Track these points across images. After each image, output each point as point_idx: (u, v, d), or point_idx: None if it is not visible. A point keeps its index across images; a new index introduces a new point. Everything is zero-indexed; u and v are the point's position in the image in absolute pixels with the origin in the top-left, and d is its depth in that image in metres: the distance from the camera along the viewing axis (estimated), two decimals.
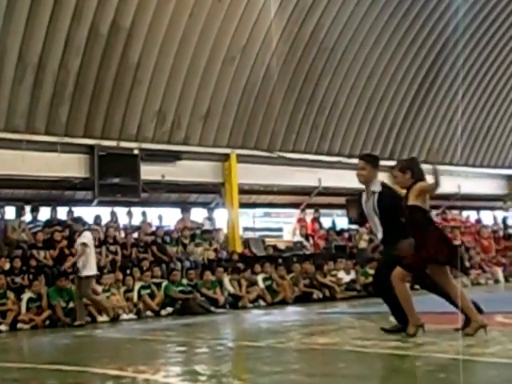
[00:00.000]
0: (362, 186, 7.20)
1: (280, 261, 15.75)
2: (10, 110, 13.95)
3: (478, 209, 23.57)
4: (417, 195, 6.51)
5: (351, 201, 18.67)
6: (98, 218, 15.23)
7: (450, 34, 18.64)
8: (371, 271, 14.50)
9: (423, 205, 6.56)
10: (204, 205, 18.23)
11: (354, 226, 18.65)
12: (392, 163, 20.36)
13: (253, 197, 18.64)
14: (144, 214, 16.15)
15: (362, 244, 17.78)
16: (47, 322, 11.42)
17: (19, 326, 11.18)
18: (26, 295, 11.68)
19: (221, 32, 15.57)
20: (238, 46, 16.01)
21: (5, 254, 13.10)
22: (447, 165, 21.26)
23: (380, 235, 7.09)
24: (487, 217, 23.25)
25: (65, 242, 13.49)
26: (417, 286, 8.08)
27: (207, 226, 16.92)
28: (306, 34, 16.88)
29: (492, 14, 19.29)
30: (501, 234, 21.70)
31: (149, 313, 12.63)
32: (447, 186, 20.79)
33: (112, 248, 14.14)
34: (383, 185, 7.11)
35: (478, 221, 22.49)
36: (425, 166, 6.85)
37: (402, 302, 6.64)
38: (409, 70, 19.12)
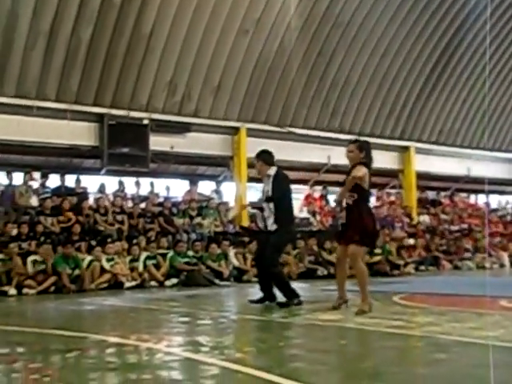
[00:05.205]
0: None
1: None
2: (20, 76, 13.90)
3: (486, 192, 23.46)
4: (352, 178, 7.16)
5: None
6: (102, 187, 15.28)
7: (469, 12, 18.37)
8: (377, 250, 14.53)
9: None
10: (212, 177, 18.23)
11: None
12: (403, 143, 20.29)
13: None
14: (152, 184, 16.16)
15: None
16: (52, 288, 11.49)
17: (25, 290, 11.25)
18: (31, 258, 11.78)
19: (235, 4, 15.41)
20: (252, 18, 15.86)
21: (12, 219, 13.18)
22: (457, 147, 21.15)
23: (271, 221, 8.35)
24: (496, 201, 23.16)
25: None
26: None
27: (215, 199, 16.88)
28: (321, 8, 16.69)
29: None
30: (508, 218, 21.64)
31: (153, 283, 12.70)
32: (456, 168, 20.89)
33: (119, 217, 14.18)
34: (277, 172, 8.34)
35: (487, 204, 22.41)
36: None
37: (361, 279, 7.20)
38: (424, 48, 18.90)
